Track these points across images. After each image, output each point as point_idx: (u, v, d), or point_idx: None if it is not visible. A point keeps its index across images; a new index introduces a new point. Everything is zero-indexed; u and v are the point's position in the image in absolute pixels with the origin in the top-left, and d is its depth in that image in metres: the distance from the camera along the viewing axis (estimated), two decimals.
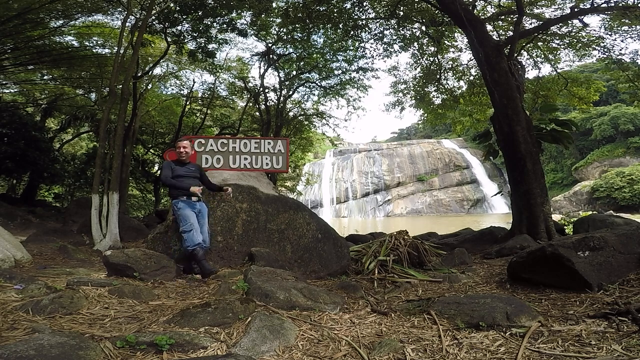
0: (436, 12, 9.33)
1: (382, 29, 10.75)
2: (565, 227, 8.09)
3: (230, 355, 2.00)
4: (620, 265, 3.10)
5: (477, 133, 12.41)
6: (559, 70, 11.47)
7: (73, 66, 14.01)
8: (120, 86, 8.62)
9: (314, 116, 18.81)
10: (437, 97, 13.62)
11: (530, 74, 13.65)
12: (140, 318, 2.52)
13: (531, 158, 6.25)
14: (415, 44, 11.48)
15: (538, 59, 11.43)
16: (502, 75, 6.51)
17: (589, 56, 10.86)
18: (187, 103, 17.76)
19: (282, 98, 16.78)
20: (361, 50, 12.34)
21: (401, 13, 9.66)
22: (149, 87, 16.35)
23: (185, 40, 11.32)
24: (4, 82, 15.75)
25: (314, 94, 17.69)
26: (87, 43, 13.85)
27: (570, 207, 37.34)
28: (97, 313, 2.55)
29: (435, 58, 11.81)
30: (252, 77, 17.81)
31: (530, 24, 9.55)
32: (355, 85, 15.99)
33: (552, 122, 7.51)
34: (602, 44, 9.86)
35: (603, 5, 7.48)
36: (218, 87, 18.03)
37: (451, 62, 12.49)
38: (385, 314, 2.84)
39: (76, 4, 10.97)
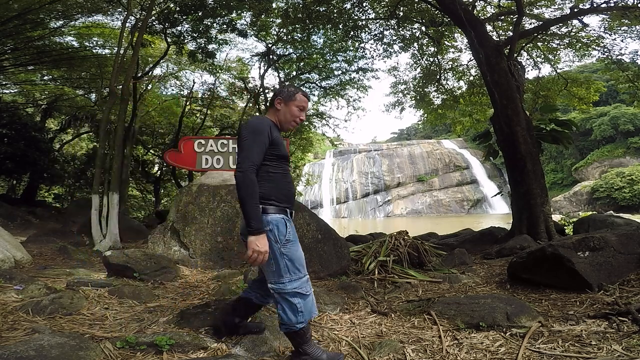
0: (436, 12, 9.33)
1: (382, 30, 10.75)
2: (565, 227, 8.08)
3: (230, 355, 2.00)
4: (621, 266, 3.10)
5: (477, 133, 12.41)
6: (558, 71, 11.47)
7: (73, 67, 14.00)
8: (120, 87, 8.62)
9: (314, 116, 18.80)
10: (437, 98, 13.63)
11: (530, 74, 13.70)
12: (140, 318, 2.52)
13: (531, 158, 6.25)
14: (415, 44, 11.48)
15: (538, 59, 11.44)
16: (502, 76, 6.51)
17: (588, 56, 10.88)
18: (187, 103, 17.75)
19: None
20: (361, 51, 12.34)
21: (401, 13, 9.66)
22: (148, 88, 16.34)
23: (185, 41, 11.32)
24: (4, 83, 15.75)
25: (313, 95, 17.67)
26: (87, 43, 13.85)
27: (570, 207, 37.32)
28: (97, 313, 2.55)
29: (435, 58, 11.81)
30: (252, 77, 17.81)
31: (530, 24, 9.55)
32: (355, 86, 15.97)
33: (552, 122, 7.51)
34: (601, 44, 9.87)
35: (603, 5, 7.48)
36: (218, 88, 18.04)
37: (451, 63, 12.49)
38: (386, 314, 2.84)
39: (76, 5, 10.97)
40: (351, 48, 13.35)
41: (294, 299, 1.82)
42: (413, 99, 13.83)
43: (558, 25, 9.39)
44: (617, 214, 14.80)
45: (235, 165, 1.79)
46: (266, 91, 16.39)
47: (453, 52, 12.10)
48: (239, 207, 1.90)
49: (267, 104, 16.45)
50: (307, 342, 1.91)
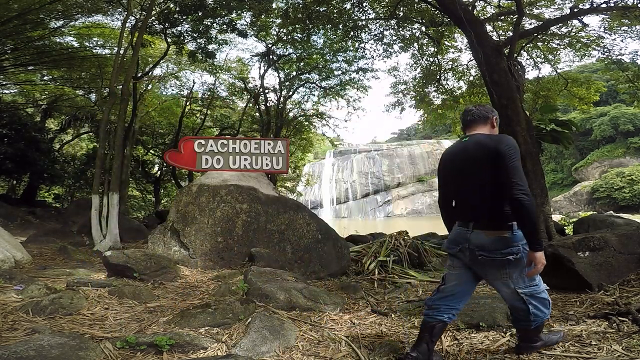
0: (436, 12, 9.32)
1: (382, 30, 10.74)
2: (565, 227, 8.08)
3: (230, 355, 2.00)
4: (621, 266, 3.10)
5: None
6: (559, 71, 11.47)
7: (73, 67, 14.00)
8: (120, 87, 8.62)
9: (314, 117, 18.80)
10: (437, 98, 13.62)
11: (530, 74, 13.69)
12: (140, 319, 2.52)
13: (531, 158, 6.24)
14: (415, 44, 11.47)
15: (538, 59, 11.43)
16: (502, 76, 6.51)
17: (588, 56, 10.87)
18: (187, 104, 17.75)
19: (282, 99, 16.77)
20: (361, 51, 12.31)
21: (401, 14, 9.65)
22: (148, 88, 16.35)
23: (185, 41, 11.32)
24: (4, 83, 15.74)
25: (313, 95, 17.69)
26: (87, 44, 13.85)
27: (571, 207, 37.32)
28: (97, 314, 2.55)
29: (435, 58, 11.81)
30: (252, 77, 17.80)
31: (530, 24, 9.54)
32: (355, 86, 15.98)
33: (552, 122, 7.51)
34: (601, 44, 9.87)
35: (603, 5, 7.47)
36: (218, 88, 18.03)
37: (451, 63, 12.48)
38: (386, 314, 2.84)
39: (76, 5, 10.97)
40: (351, 48, 13.35)
41: (545, 295, 2.04)
42: (413, 99, 13.81)
43: (558, 25, 9.38)
44: (617, 214, 14.80)
45: (516, 187, 2.00)
46: (266, 91, 16.40)
47: (453, 52, 12.10)
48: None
49: (266, 105, 16.40)
50: (542, 330, 2.15)
